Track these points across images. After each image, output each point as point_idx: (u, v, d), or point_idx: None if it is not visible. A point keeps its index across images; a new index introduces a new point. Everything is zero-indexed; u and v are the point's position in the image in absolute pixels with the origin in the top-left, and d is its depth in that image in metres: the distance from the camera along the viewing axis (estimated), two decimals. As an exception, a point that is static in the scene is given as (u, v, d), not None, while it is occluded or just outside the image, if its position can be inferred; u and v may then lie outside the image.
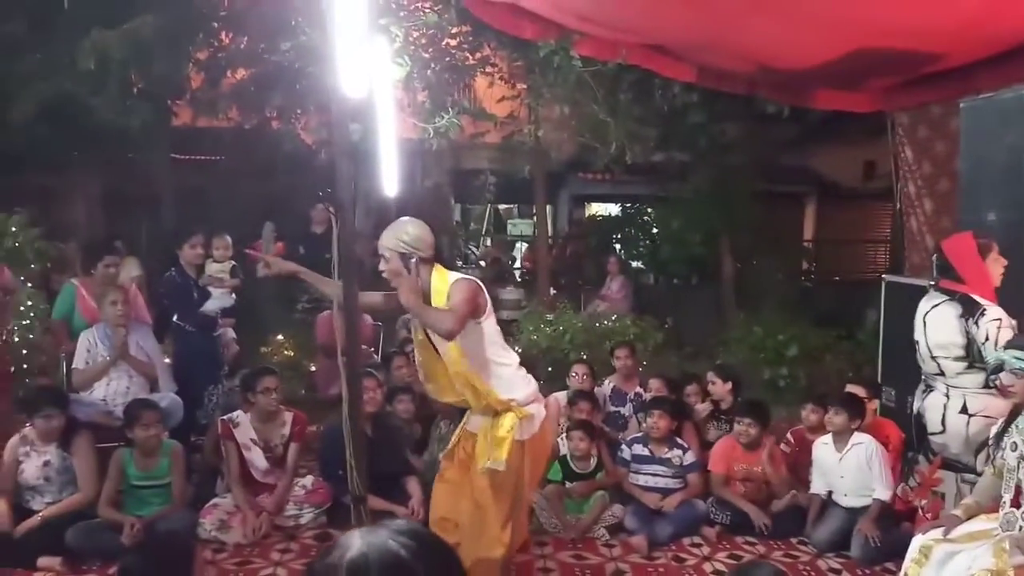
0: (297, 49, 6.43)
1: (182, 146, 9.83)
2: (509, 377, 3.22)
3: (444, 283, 3.12)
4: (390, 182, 4.99)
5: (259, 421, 4.57)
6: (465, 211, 15.72)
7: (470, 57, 7.32)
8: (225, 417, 4.61)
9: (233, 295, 5.72)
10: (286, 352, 7.09)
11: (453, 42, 7.09)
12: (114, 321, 4.77)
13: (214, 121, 8.70)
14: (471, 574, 3.13)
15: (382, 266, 3.15)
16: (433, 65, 6.84)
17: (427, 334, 3.21)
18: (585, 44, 5.41)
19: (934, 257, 3.85)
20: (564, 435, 4.80)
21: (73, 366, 4.80)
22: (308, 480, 4.64)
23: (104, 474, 4.17)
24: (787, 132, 10.17)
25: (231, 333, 5.99)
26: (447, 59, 7.05)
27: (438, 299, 3.09)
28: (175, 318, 5.25)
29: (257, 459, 4.53)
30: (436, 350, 3.21)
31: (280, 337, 7.23)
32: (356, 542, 1.00)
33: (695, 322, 9.41)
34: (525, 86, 7.63)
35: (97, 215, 9.65)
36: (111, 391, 4.72)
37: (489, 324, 3.18)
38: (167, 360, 5.20)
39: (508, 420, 3.15)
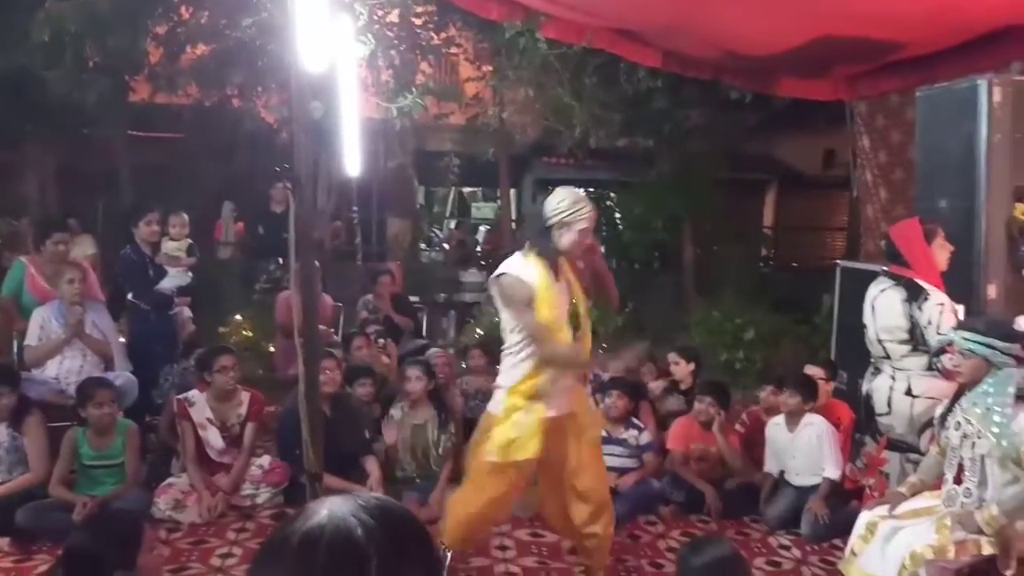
0: (259, 25, 6.34)
1: (140, 123, 9.61)
2: None
3: None
4: (352, 161, 4.95)
5: (215, 400, 4.53)
6: (429, 193, 15.64)
7: (435, 37, 7.29)
8: (181, 396, 4.55)
9: (189, 273, 5.64)
10: (244, 332, 7.01)
11: (418, 21, 7.05)
12: (70, 299, 4.68)
13: (173, 98, 8.53)
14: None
15: (588, 230, 3.20)
16: (398, 44, 6.79)
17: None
18: (551, 26, 5.41)
19: (883, 243, 3.94)
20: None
21: (25, 343, 4.72)
22: (265, 460, 4.61)
23: (56, 454, 4.10)
24: (750, 119, 10.27)
25: (187, 312, 5.90)
26: (412, 38, 7.01)
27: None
28: (130, 296, 5.16)
29: (213, 439, 4.48)
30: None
31: (239, 317, 7.14)
32: (322, 512, 0.94)
33: (656, 307, 9.49)
34: (490, 68, 7.62)
35: (52, 191, 9.44)
36: (64, 369, 4.65)
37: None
38: (122, 339, 5.12)
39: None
